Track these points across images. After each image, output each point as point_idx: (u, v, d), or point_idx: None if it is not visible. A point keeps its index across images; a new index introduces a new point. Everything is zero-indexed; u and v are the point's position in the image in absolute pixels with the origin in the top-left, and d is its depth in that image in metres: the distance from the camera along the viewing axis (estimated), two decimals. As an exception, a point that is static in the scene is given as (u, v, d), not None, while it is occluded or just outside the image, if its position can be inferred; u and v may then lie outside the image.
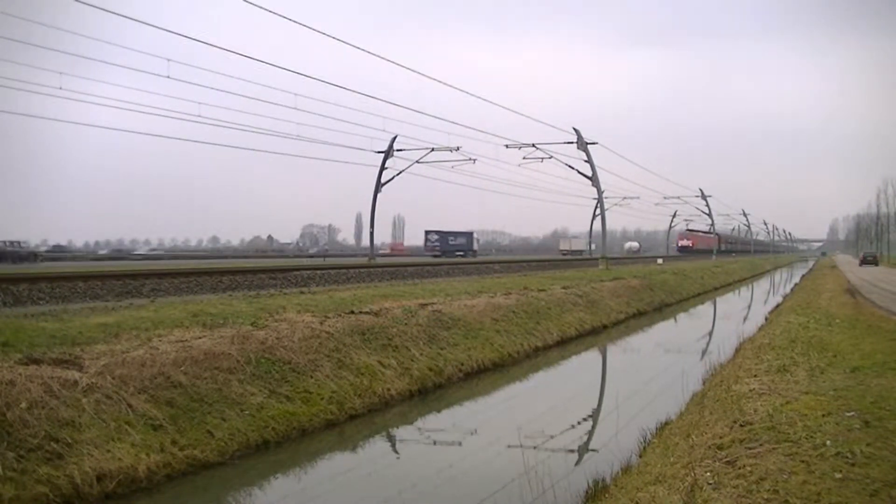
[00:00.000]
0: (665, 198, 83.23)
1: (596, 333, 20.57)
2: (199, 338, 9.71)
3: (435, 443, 9.91)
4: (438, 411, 11.49)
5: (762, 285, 53.27)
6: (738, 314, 28.92)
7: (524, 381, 14.48)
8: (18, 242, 46.88)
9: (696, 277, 41.45)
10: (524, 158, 40.49)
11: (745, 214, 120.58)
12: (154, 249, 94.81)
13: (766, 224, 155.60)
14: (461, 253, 74.23)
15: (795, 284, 43.51)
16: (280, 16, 19.26)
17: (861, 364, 8.95)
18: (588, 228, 76.80)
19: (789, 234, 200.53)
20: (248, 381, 9.28)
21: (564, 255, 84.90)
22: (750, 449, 5.68)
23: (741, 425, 6.41)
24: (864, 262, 70.31)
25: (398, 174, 41.77)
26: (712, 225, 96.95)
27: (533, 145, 39.63)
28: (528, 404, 12.50)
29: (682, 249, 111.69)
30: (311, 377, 10.20)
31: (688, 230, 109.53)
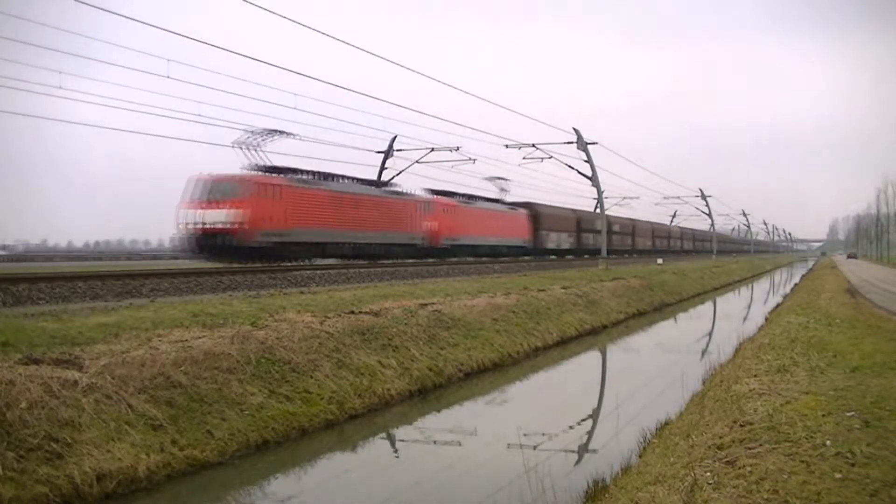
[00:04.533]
0: (665, 198, 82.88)
1: (596, 333, 20.56)
2: (199, 338, 9.71)
3: (435, 443, 9.90)
4: (438, 411, 11.49)
5: (762, 285, 53.25)
6: (738, 314, 28.92)
7: (524, 381, 14.48)
8: None
9: (695, 277, 41.44)
10: (524, 158, 40.27)
11: (744, 214, 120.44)
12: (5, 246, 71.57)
13: (765, 224, 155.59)
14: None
15: (795, 284, 43.50)
16: (280, 16, 19.24)
17: (861, 364, 8.94)
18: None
19: (789, 234, 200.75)
20: (247, 381, 9.28)
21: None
22: (750, 449, 5.68)
23: (741, 425, 6.41)
24: (849, 257, 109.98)
25: (398, 174, 41.60)
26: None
27: (533, 145, 39.56)
28: (528, 404, 12.50)
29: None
30: (311, 377, 10.20)
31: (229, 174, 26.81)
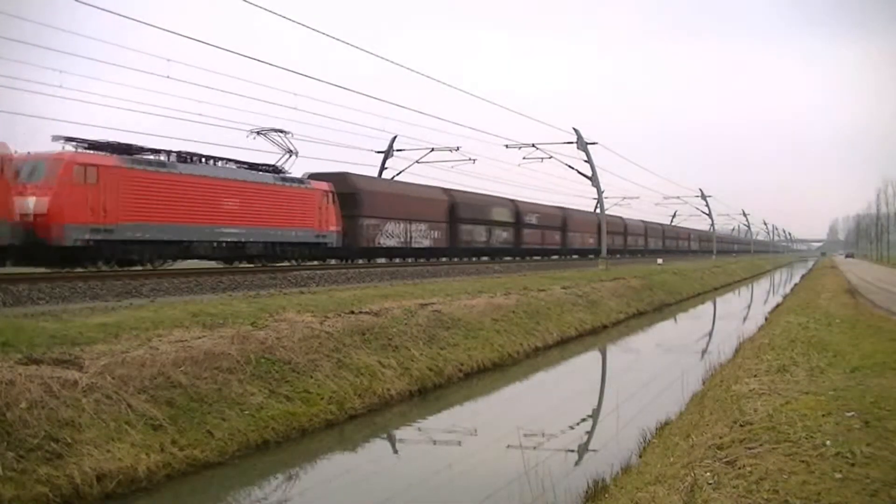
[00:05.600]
0: (665, 197, 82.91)
1: (596, 333, 20.57)
2: (199, 338, 9.71)
3: (435, 443, 9.91)
4: (438, 411, 11.49)
5: (762, 285, 53.26)
6: (738, 314, 28.92)
7: (524, 381, 14.48)
8: None
9: (696, 277, 41.45)
10: (524, 158, 40.38)
11: (744, 214, 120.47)
12: None
13: (765, 224, 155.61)
14: None
15: (795, 284, 43.51)
16: (280, 16, 19.26)
17: (861, 364, 8.94)
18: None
19: (789, 234, 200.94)
20: (247, 381, 9.28)
21: None
22: (750, 449, 5.67)
23: (741, 425, 6.41)
24: (847, 256, 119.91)
25: (398, 174, 41.72)
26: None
27: (533, 145, 39.62)
28: (528, 404, 12.50)
29: None
30: (311, 377, 10.20)
31: None
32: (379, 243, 32.09)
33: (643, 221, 75.14)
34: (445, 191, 39.19)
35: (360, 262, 30.99)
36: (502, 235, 44.15)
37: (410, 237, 34.09)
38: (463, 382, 13.05)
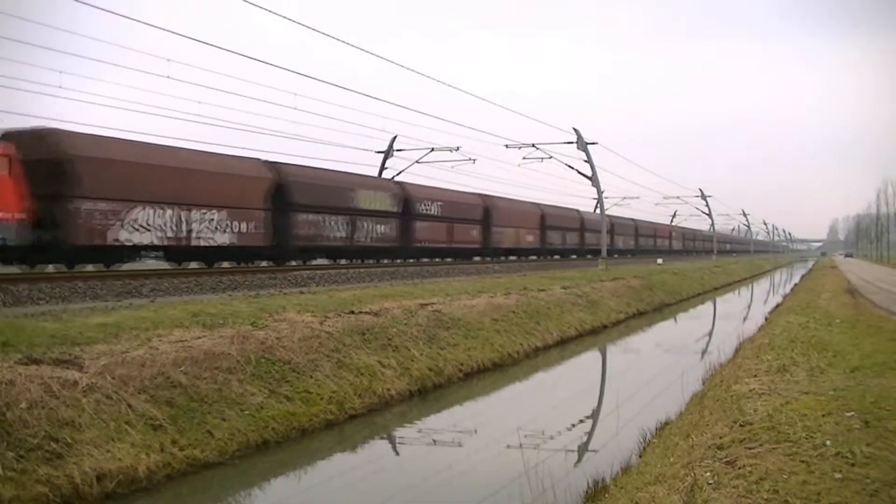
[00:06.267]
0: (665, 198, 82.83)
1: (596, 333, 20.57)
2: (199, 338, 9.71)
3: (435, 443, 9.91)
4: (438, 411, 11.49)
5: (762, 285, 53.26)
6: (738, 314, 28.92)
7: (524, 381, 14.48)
8: None
9: (695, 278, 41.46)
10: (524, 158, 40.44)
11: (744, 214, 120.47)
12: None
13: (765, 224, 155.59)
14: None
15: (795, 284, 43.52)
16: (280, 16, 19.28)
17: (861, 364, 8.95)
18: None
19: (789, 234, 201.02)
20: (247, 381, 9.28)
21: None
22: (750, 449, 5.68)
23: (741, 425, 6.41)
24: (846, 256, 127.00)
25: (398, 174, 41.73)
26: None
27: (533, 145, 39.62)
28: (528, 404, 12.51)
29: None
30: (311, 377, 10.20)
31: None
32: (116, 240, 19.77)
33: (609, 216, 58.66)
34: (268, 164, 25.83)
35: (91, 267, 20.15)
36: (378, 230, 31.10)
37: (189, 231, 22.06)
38: (463, 382, 13.06)
